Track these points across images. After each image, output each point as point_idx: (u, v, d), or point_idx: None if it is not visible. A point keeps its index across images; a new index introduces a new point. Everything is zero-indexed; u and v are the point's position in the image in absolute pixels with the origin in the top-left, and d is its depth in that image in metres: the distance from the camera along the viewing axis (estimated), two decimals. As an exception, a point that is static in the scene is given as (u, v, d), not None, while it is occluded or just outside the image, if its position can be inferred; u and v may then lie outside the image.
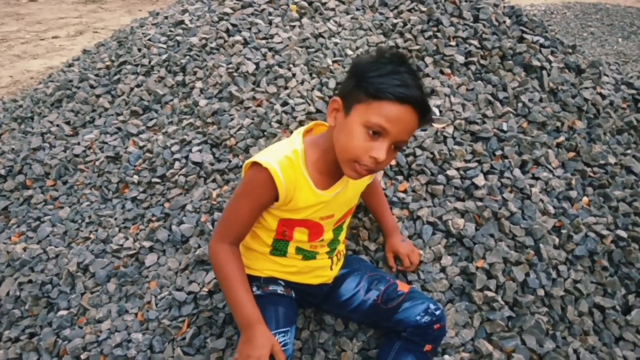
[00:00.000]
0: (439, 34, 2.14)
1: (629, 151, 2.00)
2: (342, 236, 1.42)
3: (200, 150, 1.90)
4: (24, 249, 1.82)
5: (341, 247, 1.45)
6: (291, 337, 1.28)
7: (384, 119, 1.04)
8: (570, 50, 2.31)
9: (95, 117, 2.29)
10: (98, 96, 2.36)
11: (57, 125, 2.29)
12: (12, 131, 2.50)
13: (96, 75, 2.52)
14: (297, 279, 1.36)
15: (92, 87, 2.46)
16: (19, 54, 5.75)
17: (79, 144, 2.15)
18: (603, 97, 2.13)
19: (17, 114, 2.58)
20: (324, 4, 2.39)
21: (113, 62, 2.54)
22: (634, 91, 2.24)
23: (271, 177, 1.14)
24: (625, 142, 2.05)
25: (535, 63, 2.10)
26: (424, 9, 2.23)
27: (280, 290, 1.34)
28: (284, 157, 1.17)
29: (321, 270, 1.38)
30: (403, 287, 1.39)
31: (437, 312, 1.34)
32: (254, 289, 1.32)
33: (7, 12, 7.88)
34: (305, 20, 2.32)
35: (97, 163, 2.04)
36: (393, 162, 1.78)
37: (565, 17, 6.28)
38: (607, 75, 2.31)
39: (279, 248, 1.32)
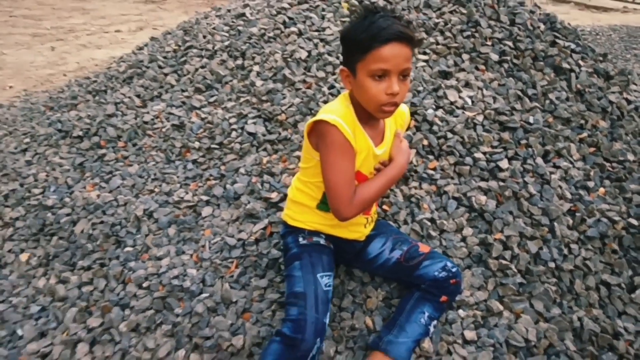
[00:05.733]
0: (476, 34, 2.34)
1: (649, 152, 2.13)
2: None
3: (254, 123, 2.15)
4: (98, 196, 2.10)
5: (374, 209, 1.65)
6: (332, 281, 1.49)
7: (380, 62, 1.23)
8: (600, 58, 2.47)
9: (162, 92, 2.59)
10: (166, 74, 2.65)
11: (129, 97, 2.59)
12: (86, 102, 2.82)
13: (164, 57, 2.83)
14: (336, 232, 1.56)
15: (160, 67, 2.76)
16: (85, 44, 6.22)
17: (148, 113, 2.44)
18: (629, 102, 2.28)
19: (92, 88, 2.91)
20: (372, 3, 2.63)
21: (179, 46, 2.84)
22: (661, 100, 2.37)
23: (340, 131, 1.32)
24: (646, 143, 2.18)
25: (565, 66, 2.26)
26: (464, 11, 2.44)
27: (322, 241, 1.55)
28: (342, 113, 1.36)
29: (356, 227, 1.57)
30: (424, 249, 1.57)
31: (454, 269, 1.51)
32: (300, 239, 1.53)
33: (74, 6, 8.49)
34: (354, 16, 2.55)
35: (164, 130, 2.32)
36: (425, 142, 1.98)
37: (610, 38, 6.33)
38: (636, 84, 2.45)
39: (326, 202, 1.49)
